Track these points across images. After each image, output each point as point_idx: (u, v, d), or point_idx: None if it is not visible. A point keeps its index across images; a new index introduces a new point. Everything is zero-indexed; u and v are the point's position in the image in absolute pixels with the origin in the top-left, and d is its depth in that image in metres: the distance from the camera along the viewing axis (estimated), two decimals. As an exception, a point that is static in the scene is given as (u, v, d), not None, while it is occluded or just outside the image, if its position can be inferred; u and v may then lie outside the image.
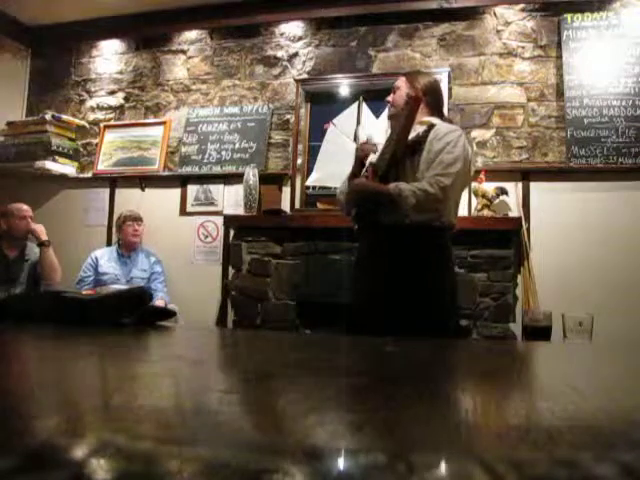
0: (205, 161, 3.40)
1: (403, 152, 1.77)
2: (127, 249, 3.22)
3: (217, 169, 3.37)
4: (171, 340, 0.84)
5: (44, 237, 2.90)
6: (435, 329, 1.67)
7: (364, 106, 3.23)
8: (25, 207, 2.95)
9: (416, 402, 0.40)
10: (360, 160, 1.93)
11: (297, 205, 3.24)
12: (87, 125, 3.71)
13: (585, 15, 2.90)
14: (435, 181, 1.68)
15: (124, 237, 3.21)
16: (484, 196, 2.81)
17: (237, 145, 3.37)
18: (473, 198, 2.87)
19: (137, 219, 3.24)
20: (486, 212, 2.79)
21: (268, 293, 3.10)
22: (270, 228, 3.11)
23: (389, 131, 1.99)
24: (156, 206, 3.47)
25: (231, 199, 3.35)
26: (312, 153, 3.32)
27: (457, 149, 1.74)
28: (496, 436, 0.32)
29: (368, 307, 1.76)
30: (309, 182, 3.26)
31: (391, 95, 1.98)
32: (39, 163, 3.44)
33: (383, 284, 1.74)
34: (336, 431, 0.31)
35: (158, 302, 2.91)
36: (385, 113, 3.20)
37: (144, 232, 3.31)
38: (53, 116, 3.54)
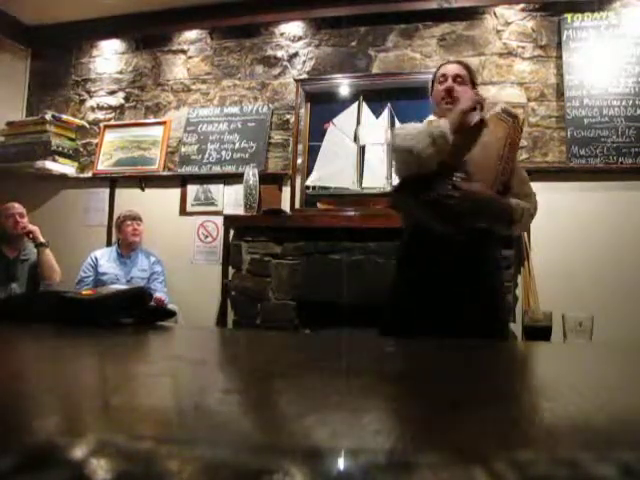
0: (205, 161, 3.40)
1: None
2: (127, 249, 3.22)
3: (217, 169, 3.37)
4: (171, 340, 0.84)
5: (40, 238, 2.90)
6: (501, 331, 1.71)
7: (364, 106, 3.23)
8: (16, 205, 2.94)
9: (415, 402, 0.40)
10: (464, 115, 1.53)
11: (297, 205, 3.24)
12: (87, 125, 3.71)
13: (585, 15, 2.91)
14: (534, 201, 1.70)
15: (124, 237, 3.21)
16: (484, 196, 2.81)
17: (237, 145, 3.37)
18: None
19: (136, 218, 3.23)
20: (486, 212, 2.79)
21: (268, 293, 3.10)
22: (270, 228, 3.11)
23: (434, 124, 1.76)
24: (156, 206, 3.47)
25: (231, 199, 3.35)
26: (312, 153, 3.32)
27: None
28: (496, 436, 0.31)
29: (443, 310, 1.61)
30: (309, 182, 3.26)
31: (451, 85, 1.70)
32: (39, 163, 3.44)
33: (466, 288, 1.64)
34: (336, 431, 0.31)
35: (157, 296, 2.89)
36: (385, 114, 3.23)
37: (144, 232, 3.31)
38: (53, 116, 3.54)
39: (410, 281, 1.72)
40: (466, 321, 1.53)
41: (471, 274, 1.65)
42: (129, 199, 3.53)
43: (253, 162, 3.29)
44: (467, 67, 1.80)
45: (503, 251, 2.74)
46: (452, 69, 1.76)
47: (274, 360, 0.65)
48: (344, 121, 3.26)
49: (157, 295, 2.90)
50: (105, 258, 3.20)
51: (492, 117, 1.68)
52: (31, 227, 2.91)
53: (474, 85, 1.81)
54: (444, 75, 1.76)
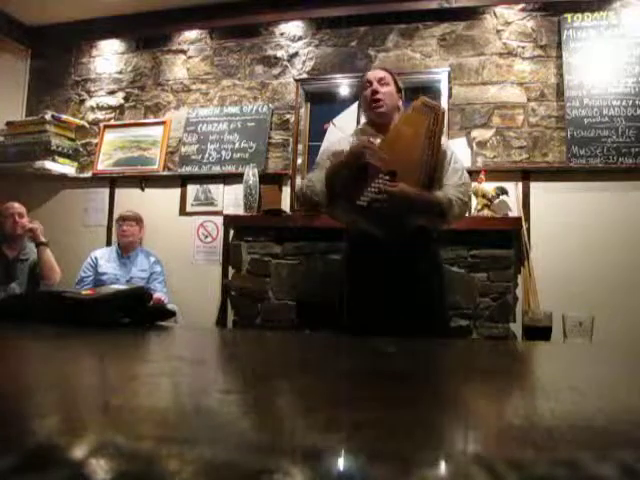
0: (205, 161, 3.40)
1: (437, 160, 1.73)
2: (126, 249, 3.22)
3: (217, 169, 3.37)
4: (171, 340, 0.84)
5: (40, 237, 2.90)
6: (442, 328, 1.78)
7: (364, 106, 3.23)
8: (15, 205, 2.93)
9: (416, 402, 0.40)
10: (358, 160, 1.66)
11: (297, 205, 3.24)
12: (87, 125, 3.71)
13: (585, 15, 2.91)
14: (464, 190, 1.73)
15: (117, 237, 3.24)
16: (484, 196, 2.81)
17: (237, 145, 3.37)
18: (473, 198, 2.86)
19: (127, 219, 3.23)
20: (486, 212, 2.79)
21: (268, 293, 3.10)
22: (270, 228, 3.11)
23: (358, 126, 1.91)
24: (156, 206, 3.47)
25: (231, 199, 3.35)
26: (312, 153, 3.31)
27: (459, 159, 1.80)
28: (496, 436, 0.31)
29: (385, 308, 1.68)
30: (309, 182, 3.26)
31: (376, 86, 1.80)
32: (39, 163, 3.44)
33: (405, 287, 1.70)
34: (336, 431, 0.31)
35: (157, 296, 2.89)
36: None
37: (143, 232, 3.32)
38: (53, 116, 3.54)
39: (353, 281, 1.82)
40: (402, 320, 1.58)
41: (406, 275, 1.72)
42: (129, 199, 3.53)
43: (253, 162, 3.29)
44: (389, 72, 1.90)
45: (502, 251, 2.74)
46: (374, 74, 1.87)
47: (274, 360, 0.65)
48: (344, 121, 3.25)
49: (156, 296, 2.89)
50: (105, 258, 3.20)
51: (414, 111, 1.76)
52: (33, 225, 2.90)
53: (398, 88, 1.90)
54: (368, 81, 1.86)
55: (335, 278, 2.89)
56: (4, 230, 2.88)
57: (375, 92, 1.81)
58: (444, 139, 1.89)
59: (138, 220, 3.28)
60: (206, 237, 3.39)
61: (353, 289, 1.81)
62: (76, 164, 3.66)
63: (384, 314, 1.64)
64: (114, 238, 3.42)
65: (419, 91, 3.12)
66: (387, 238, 1.71)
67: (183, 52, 3.60)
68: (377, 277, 1.72)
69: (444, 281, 1.91)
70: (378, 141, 1.77)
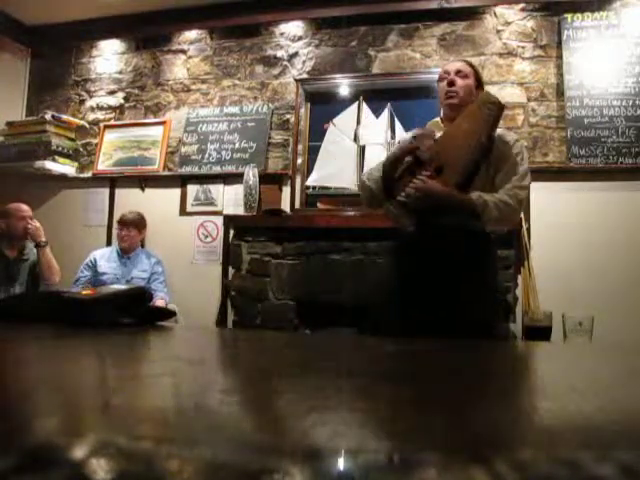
0: (205, 161, 3.41)
1: (482, 159, 1.66)
2: (123, 251, 3.21)
3: (217, 169, 3.38)
4: (171, 340, 0.84)
5: (41, 238, 2.89)
6: (486, 328, 1.70)
7: (364, 106, 3.24)
8: (24, 207, 2.93)
9: (415, 402, 0.40)
10: (411, 150, 1.69)
11: (297, 205, 3.25)
12: (87, 125, 3.71)
13: (585, 15, 2.91)
14: (514, 194, 1.65)
15: (117, 239, 3.23)
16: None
17: (237, 145, 3.37)
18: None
19: (126, 223, 3.21)
20: (486, 212, 2.79)
21: (268, 293, 3.10)
22: (270, 228, 3.12)
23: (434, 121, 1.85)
24: (156, 206, 3.47)
25: (231, 199, 3.35)
26: (312, 153, 3.32)
27: (525, 159, 1.72)
28: (496, 436, 0.31)
29: (422, 309, 1.65)
30: (309, 182, 3.26)
31: (453, 77, 1.75)
32: (39, 163, 3.44)
33: (445, 287, 1.65)
34: (336, 431, 0.31)
35: (159, 302, 2.91)
36: (385, 114, 3.22)
37: (145, 234, 3.32)
38: (53, 116, 3.54)
39: (400, 279, 1.77)
40: (450, 320, 1.55)
41: (456, 274, 1.67)
42: (129, 199, 3.54)
43: (253, 162, 3.29)
44: (471, 65, 1.83)
45: (502, 251, 2.74)
46: (454, 65, 1.80)
47: (274, 360, 0.65)
48: (344, 121, 3.26)
49: (159, 302, 2.91)
50: (105, 258, 3.20)
51: (475, 105, 1.70)
52: (36, 224, 2.90)
53: (479, 83, 1.82)
54: (446, 72, 1.79)
55: (342, 278, 2.91)
56: (14, 231, 2.87)
57: (452, 83, 1.74)
58: (512, 135, 1.80)
59: (138, 223, 3.26)
60: (206, 237, 3.39)
61: (398, 288, 1.77)
62: (76, 164, 3.66)
63: (429, 313, 1.60)
64: (114, 238, 3.42)
65: (419, 91, 3.12)
66: (419, 235, 1.69)
67: (183, 52, 3.61)
68: (423, 275, 1.68)
69: (496, 282, 1.84)
70: (437, 135, 1.73)
